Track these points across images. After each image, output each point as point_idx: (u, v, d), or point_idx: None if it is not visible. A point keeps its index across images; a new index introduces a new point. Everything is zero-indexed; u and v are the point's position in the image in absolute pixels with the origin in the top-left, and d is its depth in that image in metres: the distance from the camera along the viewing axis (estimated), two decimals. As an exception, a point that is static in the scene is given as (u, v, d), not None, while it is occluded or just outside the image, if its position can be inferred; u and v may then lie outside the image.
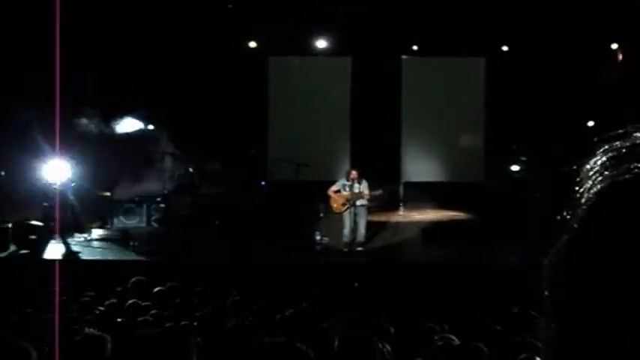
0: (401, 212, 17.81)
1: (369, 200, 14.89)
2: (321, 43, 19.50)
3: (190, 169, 17.43)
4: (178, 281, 10.27)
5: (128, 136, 17.79)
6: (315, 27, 18.67)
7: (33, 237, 14.55)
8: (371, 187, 14.84)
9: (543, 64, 17.63)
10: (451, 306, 9.29)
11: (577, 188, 0.99)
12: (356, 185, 14.69)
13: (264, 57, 19.65)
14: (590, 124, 17.73)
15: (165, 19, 17.25)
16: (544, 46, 17.47)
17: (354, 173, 14.80)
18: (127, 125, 17.96)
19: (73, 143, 15.88)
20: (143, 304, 8.68)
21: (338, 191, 14.89)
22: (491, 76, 19.13)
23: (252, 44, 18.87)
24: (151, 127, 18.25)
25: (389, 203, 17.34)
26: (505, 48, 18.68)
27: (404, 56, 19.66)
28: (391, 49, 19.18)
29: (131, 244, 15.01)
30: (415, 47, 19.32)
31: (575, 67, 17.17)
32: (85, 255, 14.42)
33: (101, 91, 16.98)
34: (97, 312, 8.53)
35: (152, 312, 8.22)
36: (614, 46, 17.17)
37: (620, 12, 16.20)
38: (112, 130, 17.69)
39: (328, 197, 15.01)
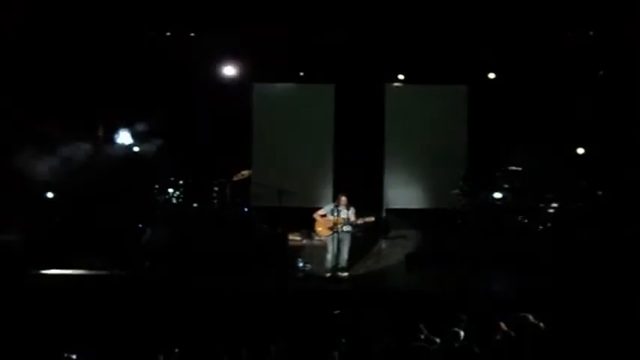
0: (384, 239, 17.78)
1: (356, 226, 14.88)
2: (305, 70, 19.54)
3: (172, 195, 17.39)
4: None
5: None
6: (299, 54, 18.69)
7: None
8: (357, 214, 14.85)
9: (526, 92, 17.74)
10: (433, 333, 9.30)
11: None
12: (344, 211, 14.71)
13: (249, 83, 19.66)
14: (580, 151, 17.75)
15: (151, 43, 17.28)
16: (527, 73, 17.58)
17: (343, 199, 14.83)
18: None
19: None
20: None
21: (324, 215, 14.89)
22: (474, 104, 19.18)
23: (237, 70, 18.87)
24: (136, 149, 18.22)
25: (372, 230, 17.31)
26: (490, 75, 18.73)
27: (387, 84, 19.69)
28: (374, 76, 19.23)
29: None
30: (400, 76, 19.34)
31: (559, 93, 17.28)
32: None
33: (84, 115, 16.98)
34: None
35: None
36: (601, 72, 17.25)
37: (606, 38, 16.31)
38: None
39: (314, 221, 14.99)
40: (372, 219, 14.88)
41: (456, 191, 17.71)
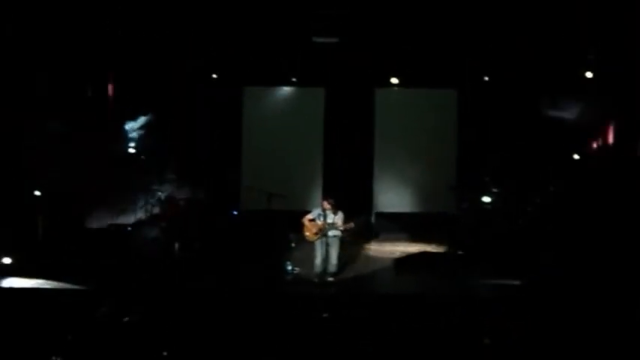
0: (373, 243, 17.77)
1: (342, 231, 14.79)
2: (295, 74, 19.57)
3: (161, 197, 17.34)
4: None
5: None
6: (289, 57, 18.72)
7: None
8: (345, 219, 14.78)
9: (515, 96, 17.79)
10: (420, 337, 9.29)
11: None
12: (330, 215, 14.63)
13: (239, 86, 19.69)
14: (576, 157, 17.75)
15: (143, 45, 17.27)
16: (515, 77, 17.62)
17: (325, 203, 14.76)
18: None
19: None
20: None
21: (313, 220, 14.83)
22: (463, 108, 19.23)
23: (227, 74, 18.88)
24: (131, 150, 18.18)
25: (361, 234, 17.30)
26: (479, 80, 18.77)
27: (377, 88, 19.73)
28: (364, 80, 19.28)
29: None
30: (393, 80, 19.36)
31: (547, 97, 17.31)
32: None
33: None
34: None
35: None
36: (589, 74, 17.27)
37: (593, 40, 16.33)
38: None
39: (302, 225, 14.95)
40: (352, 225, 14.77)
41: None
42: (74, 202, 16.47)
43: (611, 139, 16.68)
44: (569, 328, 9.90)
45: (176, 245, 16.08)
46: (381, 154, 19.81)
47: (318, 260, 14.72)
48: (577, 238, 14.87)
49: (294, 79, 19.76)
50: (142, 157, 17.87)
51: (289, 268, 15.06)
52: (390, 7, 16.36)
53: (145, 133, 18.58)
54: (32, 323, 8.72)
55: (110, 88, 17.95)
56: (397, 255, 16.63)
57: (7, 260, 14.29)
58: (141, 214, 17.46)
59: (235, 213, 19.19)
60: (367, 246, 17.74)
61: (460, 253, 16.41)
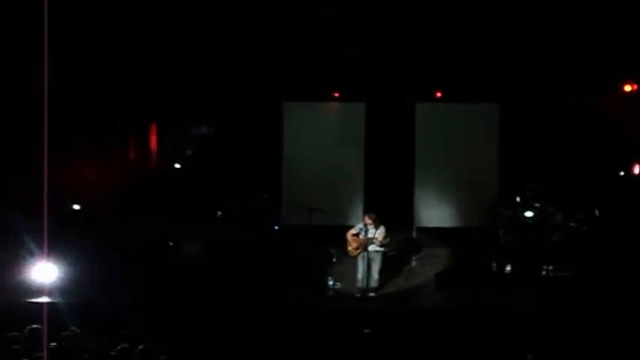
0: (414, 258, 17.72)
1: (383, 246, 14.77)
2: (336, 88, 19.58)
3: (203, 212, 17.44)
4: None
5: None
6: (330, 72, 18.73)
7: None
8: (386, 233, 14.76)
9: (557, 110, 17.67)
10: (462, 352, 9.27)
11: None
12: (371, 230, 14.64)
13: (279, 102, 19.73)
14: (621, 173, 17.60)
15: (181, 61, 17.42)
16: (558, 90, 17.51)
17: (366, 218, 14.78)
18: None
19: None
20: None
21: (356, 235, 14.84)
22: (505, 122, 19.11)
23: (267, 89, 18.94)
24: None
25: (402, 249, 17.27)
26: (521, 93, 18.67)
27: (418, 102, 19.67)
28: (405, 94, 19.23)
29: None
30: (434, 94, 19.32)
31: (588, 112, 17.19)
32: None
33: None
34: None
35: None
36: (628, 88, 17.13)
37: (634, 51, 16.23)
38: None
39: (346, 240, 14.97)
40: (388, 240, 14.76)
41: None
42: (114, 216, 16.59)
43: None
44: (610, 344, 9.83)
45: (218, 259, 16.17)
46: (422, 168, 19.73)
47: (360, 275, 14.73)
48: (619, 255, 14.75)
49: (335, 94, 19.77)
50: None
51: (330, 283, 15.10)
52: (432, 20, 16.36)
53: (189, 148, 18.74)
54: (69, 337, 8.82)
55: (153, 104, 18.16)
56: (438, 270, 16.57)
57: (45, 274, 14.35)
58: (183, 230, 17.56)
59: (276, 228, 19.24)
60: (409, 261, 17.70)
61: (501, 267, 16.33)
